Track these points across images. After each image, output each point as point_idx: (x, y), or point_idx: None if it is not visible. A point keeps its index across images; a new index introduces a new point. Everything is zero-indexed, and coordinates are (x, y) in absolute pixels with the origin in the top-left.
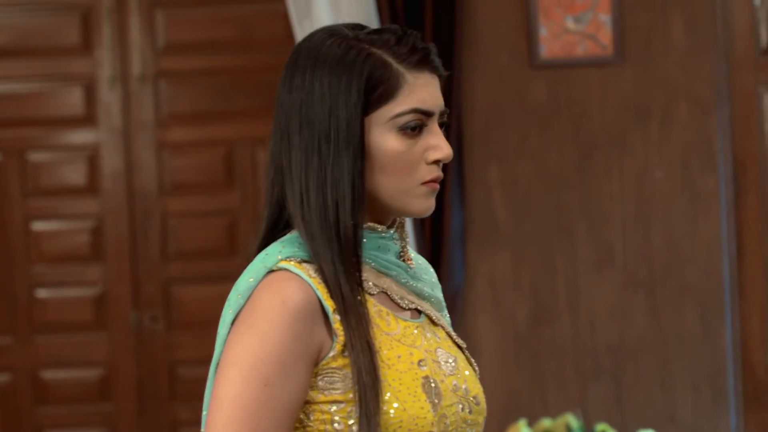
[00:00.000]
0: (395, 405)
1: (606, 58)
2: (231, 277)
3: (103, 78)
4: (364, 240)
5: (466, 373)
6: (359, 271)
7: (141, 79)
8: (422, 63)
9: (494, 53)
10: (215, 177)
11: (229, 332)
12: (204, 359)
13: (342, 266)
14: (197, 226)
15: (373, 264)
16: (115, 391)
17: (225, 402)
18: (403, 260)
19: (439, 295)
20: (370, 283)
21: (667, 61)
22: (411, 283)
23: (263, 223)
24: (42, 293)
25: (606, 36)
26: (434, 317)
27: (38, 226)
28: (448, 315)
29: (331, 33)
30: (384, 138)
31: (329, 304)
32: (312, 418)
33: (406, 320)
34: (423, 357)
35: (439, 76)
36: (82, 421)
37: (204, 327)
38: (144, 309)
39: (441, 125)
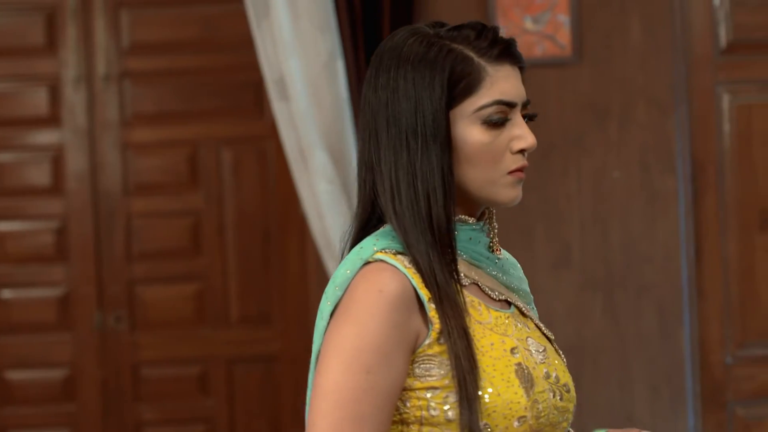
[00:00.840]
0: (490, 390)
1: (564, 58)
2: (195, 277)
3: (67, 78)
4: (456, 232)
5: (556, 362)
6: (454, 261)
7: (106, 80)
8: (503, 55)
9: None
10: (179, 177)
11: (328, 324)
12: (168, 359)
13: (436, 257)
14: (161, 227)
15: (464, 256)
16: (79, 392)
17: (328, 390)
18: (492, 251)
19: (526, 288)
20: (462, 275)
21: (626, 61)
22: (500, 275)
23: (355, 220)
24: (6, 294)
25: (564, 36)
26: (523, 308)
27: (2, 226)
28: (535, 308)
29: (413, 32)
30: (469, 130)
31: (424, 293)
32: (408, 404)
33: (497, 310)
34: (515, 345)
35: (521, 68)
36: (46, 421)
37: (168, 327)
38: (108, 309)
39: (525, 116)
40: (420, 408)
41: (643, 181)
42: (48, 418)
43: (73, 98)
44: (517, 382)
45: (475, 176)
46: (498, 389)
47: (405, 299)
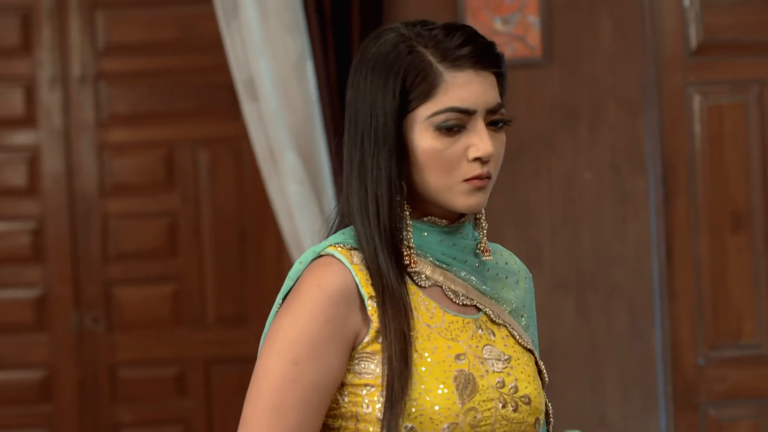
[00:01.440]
0: (419, 393)
1: (534, 59)
2: (172, 278)
3: (43, 79)
4: (425, 233)
5: (522, 373)
6: (401, 262)
7: (81, 81)
8: (464, 60)
9: None
10: (156, 178)
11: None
12: (145, 360)
13: (386, 256)
14: (138, 228)
15: (430, 258)
16: (56, 393)
17: (257, 378)
18: (478, 253)
19: (515, 298)
20: (423, 276)
21: (596, 62)
22: (474, 279)
23: (333, 215)
24: None
25: (534, 37)
26: (494, 316)
27: None
28: (527, 318)
29: (390, 30)
30: (422, 137)
31: (366, 291)
32: (347, 399)
33: (454, 315)
34: (463, 351)
35: (498, 73)
36: (22, 422)
37: (145, 328)
38: (85, 310)
39: (497, 122)
40: (355, 404)
41: (614, 182)
42: (25, 419)
43: (49, 99)
44: (452, 387)
45: (431, 182)
46: (429, 393)
47: (344, 295)
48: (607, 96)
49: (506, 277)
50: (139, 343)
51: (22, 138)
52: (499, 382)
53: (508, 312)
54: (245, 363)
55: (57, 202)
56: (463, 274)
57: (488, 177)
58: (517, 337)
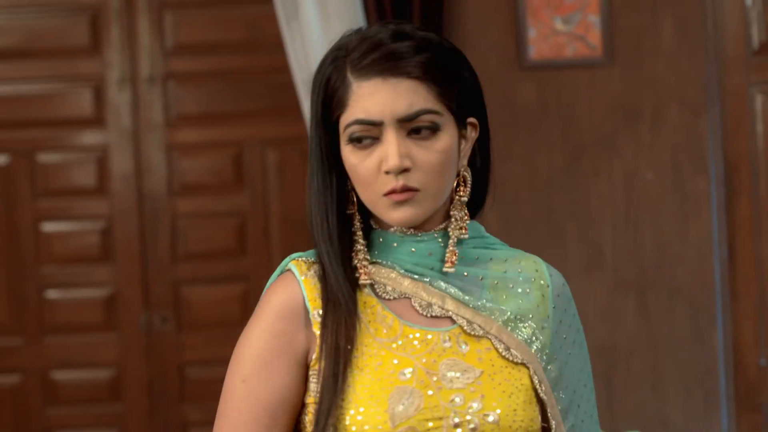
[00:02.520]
0: (352, 411)
1: (595, 59)
2: (240, 277)
3: (112, 79)
4: (394, 244)
5: (487, 389)
6: (355, 274)
7: (150, 81)
8: (368, 69)
9: (483, 55)
10: (224, 178)
11: None
12: (214, 360)
13: (335, 270)
14: (207, 227)
15: (399, 269)
16: (125, 392)
17: (221, 395)
18: (467, 263)
19: (520, 307)
20: (388, 288)
21: (657, 62)
22: (452, 289)
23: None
24: (52, 294)
25: (595, 37)
26: (469, 327)
27: (48, 227)
28: (535, 328)
29: (342, 38)
30: (344, 150)
31: (312, 305)
32: (304, 418)
33: (417, 327)
34: (412, 367)
35: (423, 79)
36: (92, 421)
37: (214, 328)
38: (154, 310)
39: (417, 129)
40: (306, 423)
41: (676, 182)
42: (94, 418)
43: (118, 99)
44: (385, 406)
45: (361, 195)
46: (362, 411)
47: (291, 310)
48: (668, 96)
49: (511, 286)
50: (207, 343)
51: (91, 138)
52: (455, 399)
53: (502, 322)
54: None
55: (126, 202)
56: (440, 283)
57: (409, 189)
58: (501, 350)
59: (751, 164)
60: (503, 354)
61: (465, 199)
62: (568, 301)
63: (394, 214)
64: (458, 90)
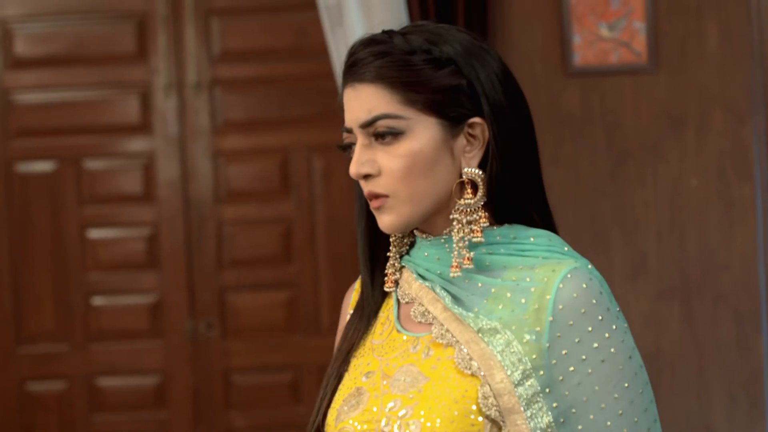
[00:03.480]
0: (331, 408)
1: (640, 65)
2: (286, 284)
3: (158, 86)
4: (418, 247)
5: (430, 400)
6: (383, 278)
7: (196, 87)
8: (344, 77)
9: (528, 61)
10: (270, 184)
11: None
12: (259, 367)
13: (364, 273)
14: (252, 234)
15: (414, 272)
16: (170, 399)
17: None
18: (477, 269)
19: (505, 316)
20: (404, 291)
21: (702, 68)
22: (445, 295)
23: None
24: (98, 301)
25: (640, 43)
26: (439, 336)
27: (94, 233)
28: (502, 339)
29: None
30: None
31: (350, 310)
32: None
33: (402, 331)
34: (376, 369)
35: (376, 84)
36: (137, 428)
37: (259, 334)
38: (199, 317)
39: (381, 135)
40: None
41: (720, 188)
42: (139, 425)
43: (164, 106)
44: (338, 404)
45: None
46: (331, 408)
47: (345, 308)
48: (713, 102)
49: (509, 295)
50: (253, 350)
51: (137, 144)
52: (393, 404)
53: (477, 330)
54: None
55: (172, 209)
56: (438, 290)
57: (377, 196)
58: (458, 360)
59: None
60: (458, 364)
61: (470, 202)
62: (579, 315)
63: (380, 220)
64: (439, 91)
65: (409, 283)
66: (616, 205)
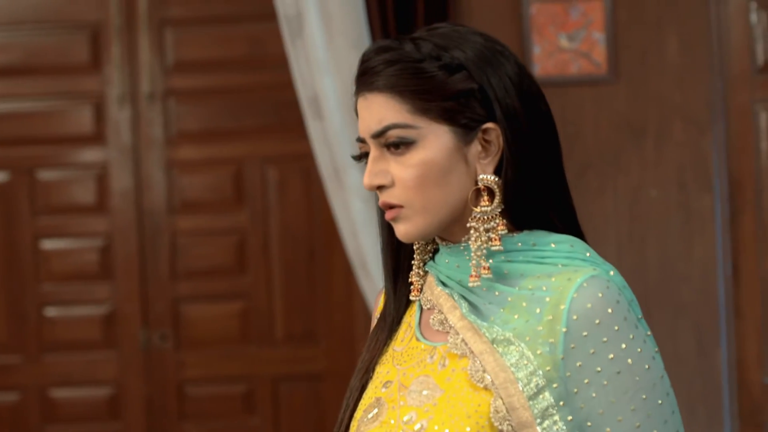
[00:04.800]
0: (353, 423)
1: (600, 76)
2: (240, 295)
3: (112, 96)
4: (440, 254)
5: (444, 413)
6: (408, 286)
7: (150, 98)
8: (356, 86)
9: None
10: (224, 195)
11: None
12: (213, 378)
13: (387, 281)
14: (206, 245)
15: (436, 279)
16: (124, 410)
17: None
18: (494, 278)
19: (519, 327)
20: (426, 297)
21: (662, 79)
22: (464, 304)
23: None
24: (51, 311)
25: (600, 54)
26: (455, 347)
27: (47, 244)
28: (516, 351)
29: None
30: None
31: (378, 309)
32: None
33: (420, 340)
34: (394, 379)
35: (387, 93)
36: None
37: (213, 345)
38: (153, 327)
39: (393, 144)
40: None
41: (680, 199)
42: None
43: (118, 116)
44: (360, 414)
45: None
46: (354, 420)
47: (375, 312)
48: (673, 113)
49: (524, 304)
50: (207, 361)
51: (91, 155)
52: (409, 417)
53: (492, 341)
54: (313, 381)
55: (125, 220)
56: (457, 297)
57: (392, 206)
58: (472, 372)
59: (755, 181)
60: (471, 376)
61: (487, 209)
62: (594, 326)
63: (396, 232)
64: (450, 98)
65: (432, 288)
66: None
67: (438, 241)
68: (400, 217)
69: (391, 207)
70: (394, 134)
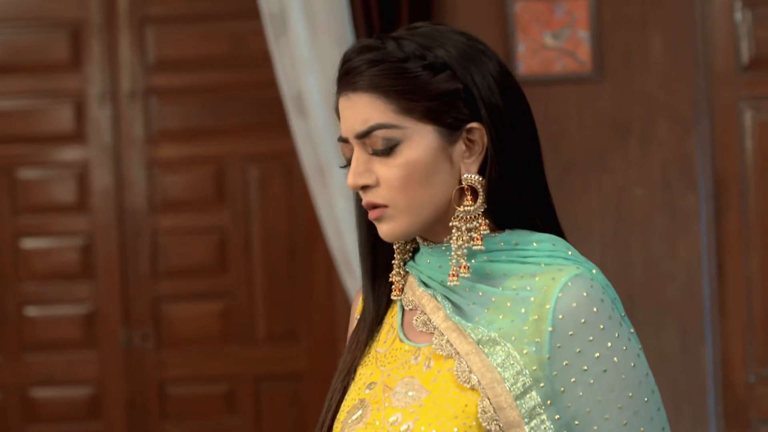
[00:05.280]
0: (336, 424)
1: (584, 74)
2: (221, 294)
3: (92, 95)
4: (421, 254)
5: (431, 414)
6: (389, 287)
7: (131, 96)
8: (338, 86)
9: None
10: (205, 194)
11: None
12: (194, 377)
13: (366, 281)
14: (187, 244)
15: (417, 279)
16: (104, 410)
17: None
18: (476, 278)
19: (505, 327)
20: (408, 298)
21: (647, 77)
22: (448, 304)
23: None
24: (31, 311)
25: (584, 52)
26: (440, 349)
27: (28, 243)
28: (502, 351)
29: None
30: None
31: (357, 311)
32: None
33: (404, 341)
34: (378, 381)
35: (371, 92)
36: None
37: (194, 345)
38: (134, 327)
39: (378, 144)
40: None
41: (665, 198)
42: None
43: (99, 115)
44: (343, 416)
45: None
46: (336, 420)
47: (353, 314)
48: (658, 111)
49: (509, 304)
50: (188, 360)
51: (71, 154)
52: (394, 418)
53: (477, 342)
54: (295, 380)
55: (106, 218)
56: (440, 298)
57: (376, 206)
58: (458, 373)
59: (740, 180)
60: (458, 377)
61: (470, 209)
62: (580, 325)
63: (379, 231)
64: (435, 98)
65: (413, 289)
66: (561, 214)
67: (419, 241)
68: (385, 216)
69: (375, 207)
70: (379, 134)
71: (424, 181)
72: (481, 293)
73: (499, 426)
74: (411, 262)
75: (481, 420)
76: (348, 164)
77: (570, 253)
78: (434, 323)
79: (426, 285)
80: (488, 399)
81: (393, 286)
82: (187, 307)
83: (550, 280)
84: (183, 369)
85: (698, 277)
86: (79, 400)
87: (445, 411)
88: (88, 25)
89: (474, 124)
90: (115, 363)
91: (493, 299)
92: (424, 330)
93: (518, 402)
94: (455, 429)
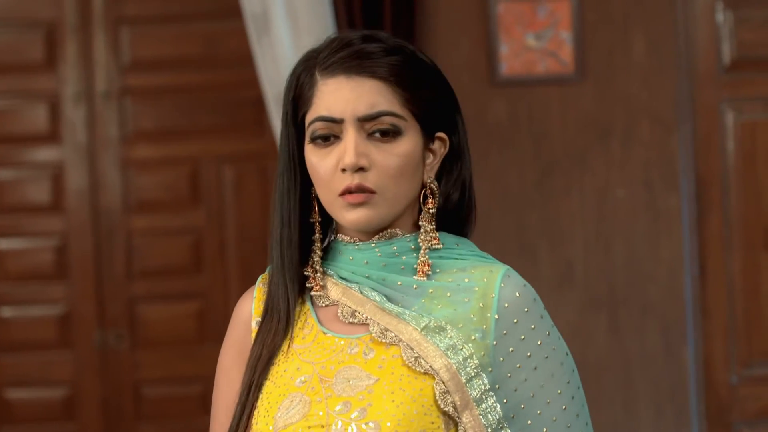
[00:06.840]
0: (255, 417)
1: (567, 75)
2: (196, 295)
3: (67, 95)
4: (339, 253)
5: (386, 398)
6: (304, 283)
7: (106, 96)
8: (335, 66)
9: (454, 71)
10: (180, 195)
11: None
12: (169, 378)
13: (279, 278)
14: (162, 244)
15: (334, 276)
16: (79, 411)
17: None
18: (406, 272)
19: (450, 315)
20: (323, 296)
21: (629, 78)
22: (377, 296)
23: None
24: (6, 312)
25: (567, 53)
26: (380, 335)
27: (2, 244)
28: (449, 338)
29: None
30: (307, 150)
31: (255, 314)
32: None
33: (331, 334)
34: (311, 373)
35: (388, 80)
36: None
37: (169, 346)
38: (109, 328)
39: (378, 131)
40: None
41: (647, 199)
42: None
43: (73, 115)
44: (273, 412)
45: (321, 198)
46: (259, 417)
47: (243, 320)
48: (640, 112)
49: (448, 294)
50: (163, 361)
51: (46, 154)
52: (341, 407)
53: (421, 329)
54: None
55: (81, 219)
56: (366, 291)
57: (363, 190)
58: (407, 358)
59: (721, 181)
60: (408, 362)
61: (433, 211)
62: (523, 314)
63: (348, 216)
64: (428, 100)
65: (329, 287)
66: (543, 215)
67: (344, 239)
68: (369, 203)
69: (364, 191)
70: (387, 121)
71: (409, 176)
72: (415, 286)
73: (455, 407)
74: (324, 261)
75: (439, 402)
76: (320, 138)
77: (486, 255)
78: (364, 314)
79: (346, 280)
80: (443, 383)
81: (312, 282)
82: (162, 307)
83: (488, 272)
84: (158, 370)
85: (680, 277)
86: (54, 401)
87: (400, 395)
88: (63, 25)
89: (441, 134)
90: (89, 364)
91: (430, 290)
92: (354, 321)
93: (468, 385)
94: (415, 411)
